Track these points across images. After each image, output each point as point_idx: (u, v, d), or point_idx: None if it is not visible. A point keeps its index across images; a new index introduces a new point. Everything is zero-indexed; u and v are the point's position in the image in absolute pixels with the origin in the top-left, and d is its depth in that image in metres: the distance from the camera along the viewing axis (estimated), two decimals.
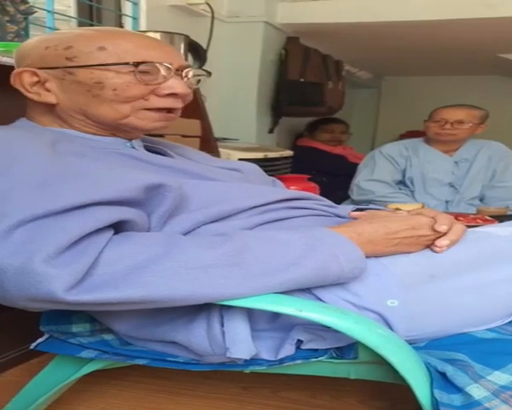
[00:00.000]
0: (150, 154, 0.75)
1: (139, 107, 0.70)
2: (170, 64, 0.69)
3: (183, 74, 0.72)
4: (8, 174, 0.54)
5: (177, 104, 0.73)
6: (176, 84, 0.70)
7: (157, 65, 0.68)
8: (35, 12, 1.23)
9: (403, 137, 3.19)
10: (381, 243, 0.66)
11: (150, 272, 0.52)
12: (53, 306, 0.52)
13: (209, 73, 0.81)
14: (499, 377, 0.55)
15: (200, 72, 0.79)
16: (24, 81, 0.69)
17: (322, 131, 2.82)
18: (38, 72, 0.68)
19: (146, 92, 0.69)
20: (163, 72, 0.69)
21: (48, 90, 0.69)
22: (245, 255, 0.56)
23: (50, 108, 0.70)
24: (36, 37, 0.73)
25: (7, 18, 1.11)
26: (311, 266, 0.58)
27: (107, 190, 0.55)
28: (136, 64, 0.67)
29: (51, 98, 0.69)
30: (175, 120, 0.76)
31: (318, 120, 2.84)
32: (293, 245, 0.59)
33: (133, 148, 0.75)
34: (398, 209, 1.45)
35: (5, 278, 0.49)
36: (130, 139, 0.75)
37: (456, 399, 0.54)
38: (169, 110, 0.72)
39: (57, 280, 0.48)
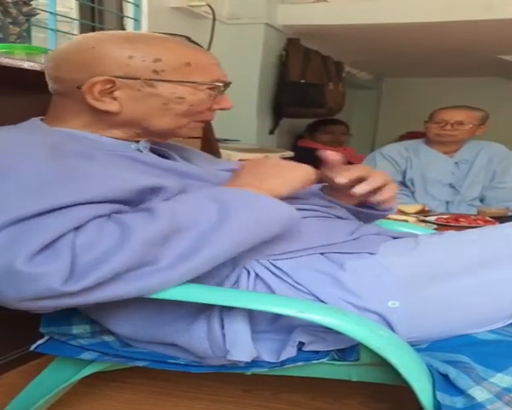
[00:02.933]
0: (153, 156, 0.74)
1: (195, 119, 0.73)
2: (225, 82, 0.73)
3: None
4: (3, 179, 0.54)
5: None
6: (225, 100, 0.75)
7: (221, 83, 0.72)
8: (37, 14, 1.23)
9: (403, 138, 3.19)
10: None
11: (125, 245, 0.52)
12: (56, 302, 0.53)
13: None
14: (502, 380, 0.54)
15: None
16: (95, 89, 0.66)
17: (322, 133, 2.83)
18: (116, 80, 0.66)
19: (207, 107, 0.73)
20: (220, 89, 0.73)
21: (114, 99, 0.68)
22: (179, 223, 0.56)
23: (98, 112, 0.68)
24: (104, 40, 0.68)
25: (9, 20, 1.11)
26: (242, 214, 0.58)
27: (98, 190, 0.56)
28: (216, 84, 0.71)
29: (113, 106, 0.68)
30: None
31: (318, 121, 2.84)
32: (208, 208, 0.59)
33: (138, 150, 0.74)
34: (399, 211, 1.45)
35: None
36: (137, 141, 0.75)
37: (459, 401, 0.54)
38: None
39: (49, 276, 0.49)
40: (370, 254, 0.68)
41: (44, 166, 0.57)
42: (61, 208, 0.53)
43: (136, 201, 0.61)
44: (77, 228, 0.53)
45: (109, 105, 0.68)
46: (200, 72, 0.70)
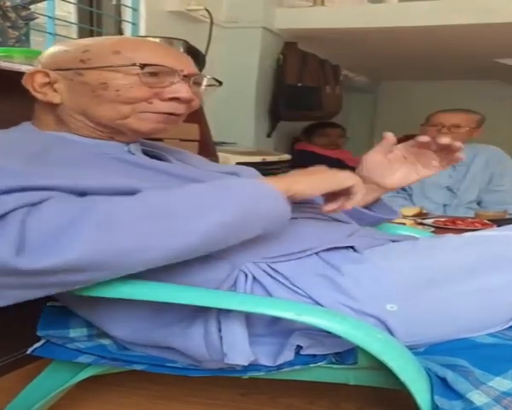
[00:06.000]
0: (147, 158, 0.74)
1: (140, 109, 0.70)
2: (180, 70, 0.70)
3: (192, 81, 0.73)
4: None
5: (179, 109, 0.72)
6: (180, 89, 0.70)
7: (165, 69, 0.69)
8: (36, 18, 1.23)
9: (400, 141, 3.19)
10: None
11: (85, 226, 0.51)
12: (16, 280, 0.51)
13: (220, 83, 0.81)
14: (500, 383, 0.54)
15: (212, 81, 0.79)
16: (35, 81, 0.70)
17: (318, 136, 2.83)
18: (50, 72, 0.69)
19: (149, 95, 0.69)
20: (170, 76, 0.69)
21: (55, 91, 0.70)
22: (172, 206, 0.55)
23: (52, 108, 0.71)
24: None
25: (8, 24, 1.12)
26: (241, 196, 0.58)
27: (65, 179, 0.57)
28: (142, 66, 0.67)
29: (56, 98, 0.70)
30: (177, 124, 0.75)
31: (314, 124, 2.85)
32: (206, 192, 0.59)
33: (130, 152, 0.74)
34: None
35: None
36: (127, 143, 0.75)
37: (457, 405, 0.54)
38: (170, 113, 0.72)
39: None
40: (354, 250, 0.69)
41: (14, 165, 0.57)
42: (21, 190, 0.53)
43: None
44: (33, 204, 0.53)
45: (51, 97, 0.70)
46: (131, 59, 0.68)
